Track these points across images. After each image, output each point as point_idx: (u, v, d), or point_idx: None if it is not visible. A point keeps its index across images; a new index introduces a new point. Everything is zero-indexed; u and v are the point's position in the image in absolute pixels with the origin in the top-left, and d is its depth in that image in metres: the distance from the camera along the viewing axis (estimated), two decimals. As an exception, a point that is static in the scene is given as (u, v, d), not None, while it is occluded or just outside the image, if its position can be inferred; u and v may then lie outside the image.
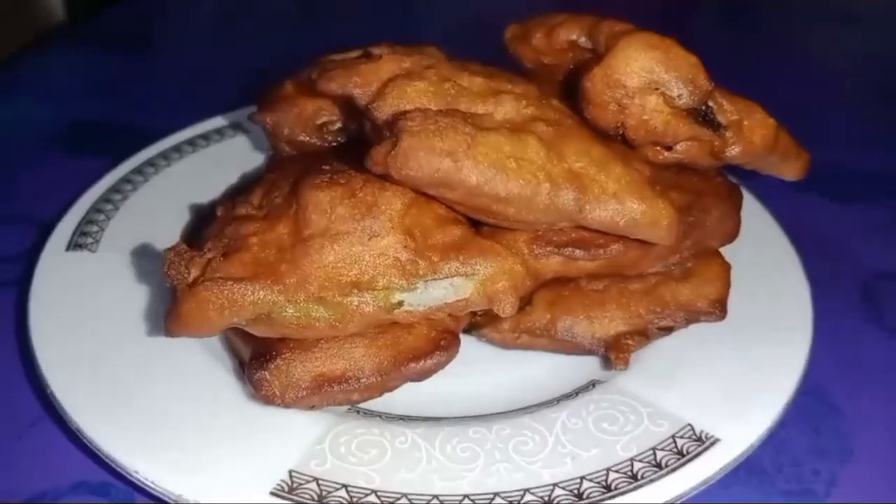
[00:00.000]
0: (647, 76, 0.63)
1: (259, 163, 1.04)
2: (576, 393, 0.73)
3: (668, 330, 0.74)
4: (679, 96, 0.63)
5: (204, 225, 0.83)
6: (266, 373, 0.65)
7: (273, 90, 0.88)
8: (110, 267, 0.84)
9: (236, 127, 1.10)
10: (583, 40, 0.69)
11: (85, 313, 0.77)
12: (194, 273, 0.63)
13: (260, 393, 0.65)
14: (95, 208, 0.92)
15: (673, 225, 0.63)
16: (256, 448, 0.65)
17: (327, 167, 0.70)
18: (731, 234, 0.76)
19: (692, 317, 0.73)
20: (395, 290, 0.62)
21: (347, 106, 0.81)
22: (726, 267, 0.77)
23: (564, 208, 0.61)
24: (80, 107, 1.31)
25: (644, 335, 0.72)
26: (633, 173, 0.63)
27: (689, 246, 0.73)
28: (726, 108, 0.65)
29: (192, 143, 1.07)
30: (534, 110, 0.65)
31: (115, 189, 0.96)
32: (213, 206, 0.87)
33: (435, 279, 0.63)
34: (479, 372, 0.76)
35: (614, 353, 0.70)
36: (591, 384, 0.74)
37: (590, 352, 0.73)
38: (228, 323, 0.63)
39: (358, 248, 0.63)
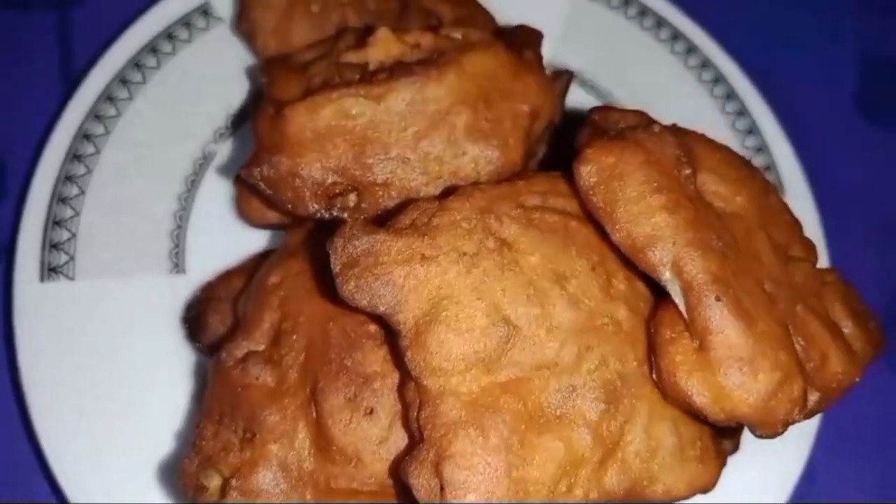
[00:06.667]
0: (730, 420, 0.54)
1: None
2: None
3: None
4: (758, 436, 0.55)
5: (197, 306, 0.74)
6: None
7: (270, 123, 0.68)
8: (97, 301, 0.76)
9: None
10: (667, 277, 0.55)
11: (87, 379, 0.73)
12: (214, 487, 0.61)
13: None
14: (60, 196, 0.79)
15: (715, 484, 0.61)
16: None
17: (348, 360, 0.61)
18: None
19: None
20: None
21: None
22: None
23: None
24: None
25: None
26: (687, 454, 0.58)
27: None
28: (815, 381, 0.57)
29: (153, 50, 0.85)
30: (601, 375, 0.56)
31: (76, 156, 0.80)
32: (205, 289, 0.75)
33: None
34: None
35: None
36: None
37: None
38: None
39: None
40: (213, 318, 0.74)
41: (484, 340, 0.55)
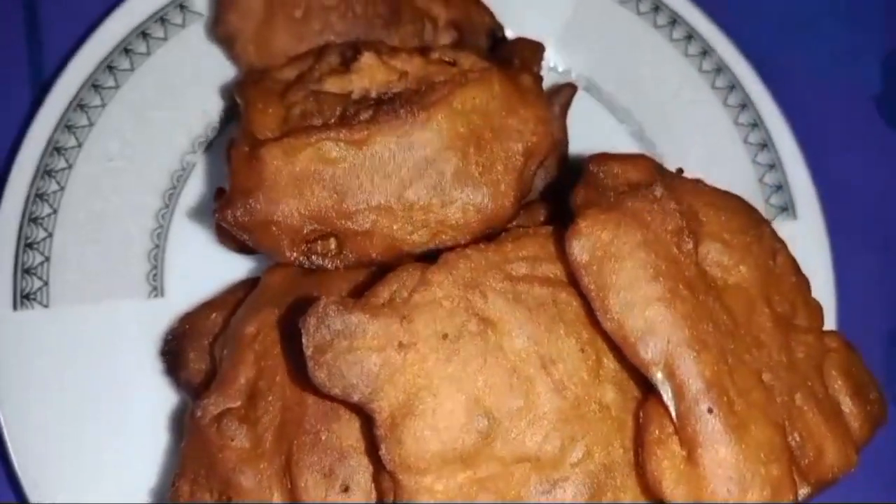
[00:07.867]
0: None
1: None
2: None
3: None
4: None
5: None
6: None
7: (246, 162, 0.63)
8: (73, 330, 0.73)
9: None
10: (658, 378, 0.51)
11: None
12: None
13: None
14: (31, 216, 0.75)
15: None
16: None
17: (324, 433, 0.59)
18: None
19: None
20: None
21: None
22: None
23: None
24: None
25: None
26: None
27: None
28: (808, 476, 0.55)
29: (126, 50, 0.79)
30: (584, 468, 0.54)
31: (47, 171, 0.76)
32: (183, 321, 0.72)
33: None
34: None
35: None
36: None
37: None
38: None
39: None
40: (191, 355, 0.71)
41: (462, 437, 0.52)
